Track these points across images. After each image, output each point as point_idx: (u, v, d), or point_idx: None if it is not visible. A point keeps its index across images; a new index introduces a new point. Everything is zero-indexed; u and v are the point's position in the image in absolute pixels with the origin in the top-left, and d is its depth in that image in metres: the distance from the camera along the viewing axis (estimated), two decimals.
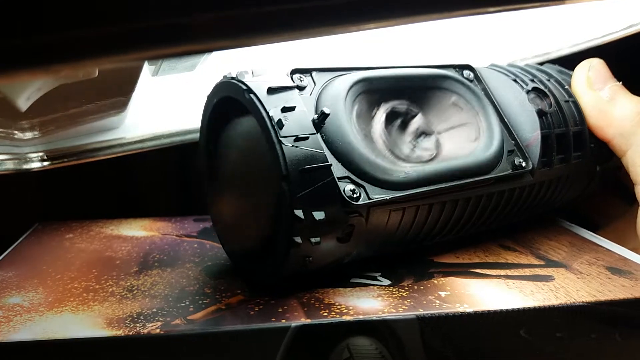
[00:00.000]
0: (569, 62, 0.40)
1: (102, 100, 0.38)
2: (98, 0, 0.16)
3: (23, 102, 0.34)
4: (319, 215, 0.26)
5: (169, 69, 0.40)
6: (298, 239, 0.26)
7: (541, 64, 0.41)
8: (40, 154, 0.40)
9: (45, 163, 0.40)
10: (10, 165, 0.40)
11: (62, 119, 0.38)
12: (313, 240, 0.26)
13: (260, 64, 0.29)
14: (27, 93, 0.33)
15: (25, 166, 0.40)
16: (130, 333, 0.24)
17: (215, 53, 0.39)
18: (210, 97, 0.30)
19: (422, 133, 0.31)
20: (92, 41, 0.17)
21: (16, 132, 0.38)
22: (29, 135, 0.39)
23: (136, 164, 0.48)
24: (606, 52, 0.47)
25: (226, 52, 0.39)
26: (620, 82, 0.36)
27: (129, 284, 0.29)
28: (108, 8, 0.16)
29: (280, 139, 0.26)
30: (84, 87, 0.35)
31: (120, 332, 0.24)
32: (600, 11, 0.49)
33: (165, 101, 0.43)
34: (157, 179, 0.51)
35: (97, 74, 0.33)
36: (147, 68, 0.39)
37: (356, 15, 0.19)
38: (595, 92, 0.36)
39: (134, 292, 0.28)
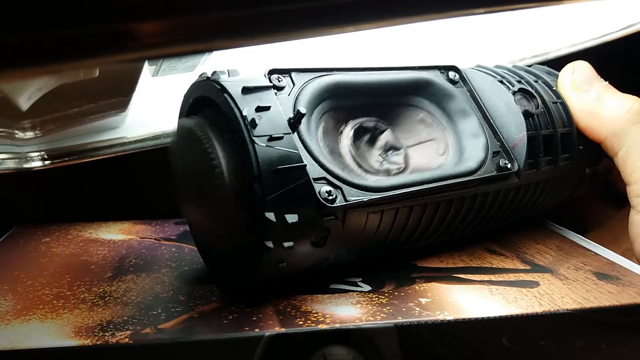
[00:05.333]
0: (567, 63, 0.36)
1: (102, 100, 0.37)
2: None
3: (24, 102, 0.32)
4: (291, 218, 0.23)
5: (169, 69, 0.39)
6: (270, 244, 0.23)
7: (530, 65, 0.37)
8: (41, 153, 0.38)
9: (46, 162, 0.38)
10: (11, 165, 0.38)
11: (63, 118, 0.37)
12: (286, 244, 0.24)
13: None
14: (28, 92, 0.32)
15: (26, 165, 0.38)
16: (98, 342, 0.22)
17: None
18: (186, 97, 0.28)
19: (391, 147, 0.29)
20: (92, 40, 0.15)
21: (17, 131, 0.37)
22: (30, 134, 0.37)
23: (136, 163, 0.45)
24: (605, 52, 0.45)
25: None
26: (607, 82, 0.33)
27: (101, 290, 0.27)
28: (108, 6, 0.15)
29: (253, 138, 0.23)
30: (84, 86, 0.33)
31: (87, 342, 0.22)
32: (598, 11, 0.46)
33: (166, 101, 0.41)
34: (157, 178, 0.48)
35: (97, 74, 0.31)
36: (147, 68, 0.37)
37: (355, 16, 0.18)
38: (582, 93, 0.33)
39: (106, 298, 0.26)
